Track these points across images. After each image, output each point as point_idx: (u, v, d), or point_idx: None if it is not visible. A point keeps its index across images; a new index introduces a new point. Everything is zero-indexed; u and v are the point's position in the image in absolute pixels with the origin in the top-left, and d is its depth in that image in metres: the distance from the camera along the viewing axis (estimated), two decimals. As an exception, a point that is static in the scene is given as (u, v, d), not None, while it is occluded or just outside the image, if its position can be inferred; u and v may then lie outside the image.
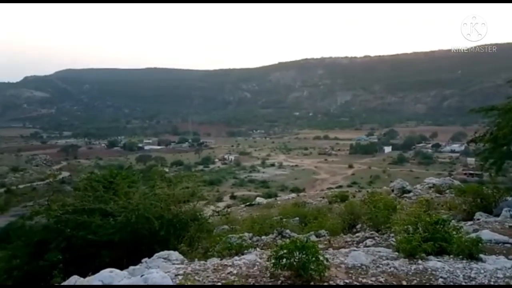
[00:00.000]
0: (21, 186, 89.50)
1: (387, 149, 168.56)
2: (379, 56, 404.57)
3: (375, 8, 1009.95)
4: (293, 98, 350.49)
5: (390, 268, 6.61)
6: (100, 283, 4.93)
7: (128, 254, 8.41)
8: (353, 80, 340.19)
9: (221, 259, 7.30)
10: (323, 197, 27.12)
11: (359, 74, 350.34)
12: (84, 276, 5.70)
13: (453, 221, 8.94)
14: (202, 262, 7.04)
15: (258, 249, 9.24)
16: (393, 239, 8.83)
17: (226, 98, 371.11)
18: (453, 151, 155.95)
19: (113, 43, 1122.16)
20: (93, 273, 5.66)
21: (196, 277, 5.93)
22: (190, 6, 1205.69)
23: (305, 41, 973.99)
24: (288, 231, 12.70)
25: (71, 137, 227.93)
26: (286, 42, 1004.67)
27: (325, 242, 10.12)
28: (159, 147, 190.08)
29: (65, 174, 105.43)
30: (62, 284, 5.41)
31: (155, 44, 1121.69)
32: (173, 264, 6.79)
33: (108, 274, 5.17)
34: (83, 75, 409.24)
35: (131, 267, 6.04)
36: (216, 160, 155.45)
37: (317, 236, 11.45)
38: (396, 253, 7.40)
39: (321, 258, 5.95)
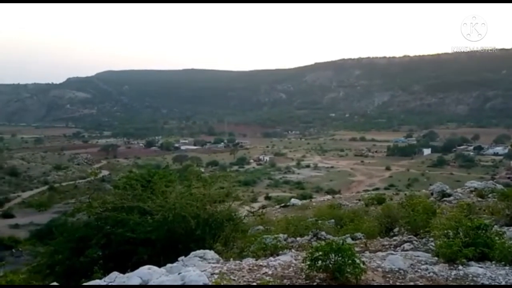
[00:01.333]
0: (63, 184, 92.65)
1: (427, 151, 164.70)
2: (419, 55, 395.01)
3: (414, 7, 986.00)
4: (329, 99, 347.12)
5: (429, 273, 6.45)
6: (139, 280, 5.05)
7: (165, 252, 8.56)
8: (392, 80, 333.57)
9: (256, 260, 7.32)
10: (359, 199, 26.76)
11: (397, 74, 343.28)
12: (123, 272, 5.85)
13: (495, 226, 8.64)
14: (237, 261, 7.08)
15: (293, 250, 9.19)
16: (432, 243, 8.61)
17: (261, 99, 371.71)
18: (496, 154, 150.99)
19: (152, 45, 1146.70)
20: (132, 270, 5.79)
21: (232, 277, 5.97)
22: (226, 7, 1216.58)
23: (342, 41, 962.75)
24: (323, 233, 12.56)
25: (111, 136, 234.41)
26: (323, 42, 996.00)
27: (362, 245, 9.97)
28: (195, 147, 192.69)
29: (105, 172, 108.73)
30: (103, 279, 5.56)
31: (192, 46, 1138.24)
32: (209, 263, 6.86)
33: (147, 271, 5.29)
34: (123, 77, 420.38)
35: (169, 265, 6.14)
36: (251, 160, 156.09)
37: (353, 239, 11.29)
38: (436, 258, 7.21)
39: (357, 261, 5.88)
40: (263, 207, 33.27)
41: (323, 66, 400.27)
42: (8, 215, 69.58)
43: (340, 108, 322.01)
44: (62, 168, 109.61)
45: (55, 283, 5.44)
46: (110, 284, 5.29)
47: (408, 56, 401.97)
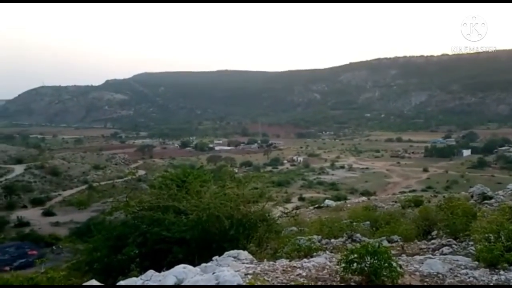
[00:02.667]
0: (102, 183, 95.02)
1: (466, 152, 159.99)
2: (458, 54, 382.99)
3: (452, 5, 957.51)
4: (364, 99, 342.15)
5: (469, 278, 6.24)
6: (174, 278, 5.11)
7: (199, 251, 8.64)
8: (429, 79, 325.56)
9: (290, 261, 7.28)
10: (396, 201, 26.34)
11: (435, 74, 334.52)
12: (158, 271, 5.94)
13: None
14: (271, 262, 7.06)
15: (327, 252, 9.10)
16: (473, 247, 8.35)
17: (295, 99, 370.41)
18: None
19: (187, 47, 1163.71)
20: (167, 268, 5.87)
21: (265, 277, 5.95)
22: (260, 7, 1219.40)
23: (377, 41, 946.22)
24: (358, 235, 12.39)
25: (147, 137, 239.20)
26: (358, 42, 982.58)
27: (398, 248, 9.77)
28: (228, 148, 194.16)
29: (141, 172, 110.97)
30: (140, 277, 5.66)
31: (226, 47, 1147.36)
32: (243, 263, 6.86)
33: (182, 270, 5.35)
34: (158, 78, 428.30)
35: (203, 264, 6.19)
36: (285, 161, 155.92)
37: (389, 242, 11.07)
38: (476, 262, 6.97)
39: (394, 264, 5.75)
40: (297, 208, 33.16)
41: (358, 66, 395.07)
42: (49, 213, 72.17)
43: (376, 108, 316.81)
44: (100, 168, 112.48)
45: (93, 280, 5.58)
46: (145, 283, 5.38)
47: (447, 54, 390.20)
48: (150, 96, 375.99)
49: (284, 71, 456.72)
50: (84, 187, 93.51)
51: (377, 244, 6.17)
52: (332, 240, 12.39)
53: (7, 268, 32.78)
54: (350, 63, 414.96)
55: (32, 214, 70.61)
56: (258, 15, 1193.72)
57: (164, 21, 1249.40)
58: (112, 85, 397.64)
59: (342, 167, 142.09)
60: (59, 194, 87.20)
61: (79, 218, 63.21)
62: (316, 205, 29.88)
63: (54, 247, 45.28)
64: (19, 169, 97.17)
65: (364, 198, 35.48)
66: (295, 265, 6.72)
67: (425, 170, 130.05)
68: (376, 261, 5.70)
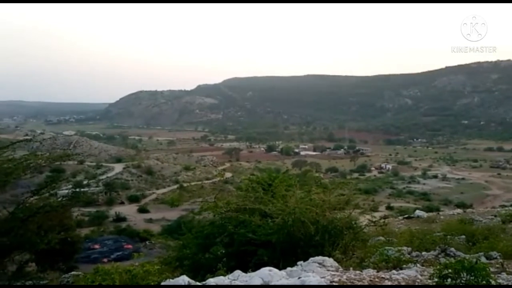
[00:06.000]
0: (192, 184, 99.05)
1: None
2: None
3: None
4: (461, 105, 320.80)
5: None
6: (260, 280, 5.18)
7: (284, 255, 8.66)
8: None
9: (377, 271, 7.03)
10: (495, 215, 24.33)
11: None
12: (244, 271, 6.05)
13: None
14: (357, 271, 6.87)
15: (418, 265, 8.66)
16: None
17: (385, 104, 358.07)
18: None
19: (274, 52, 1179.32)
20: (253, 270, 5.97)
21: (352, 287, 5.81)
22: (350, 9, 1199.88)
23: (477, 43, 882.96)
24: (452, 249, 11.64)
25: (234, 140, 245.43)
26: (455, 45, 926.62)
27: (497, 266, 9.01)
28: (314, 153, 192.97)
29: (228, 174, 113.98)
30: (227, 276, 5.81)
31: (314, 51, 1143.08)
32: (328, 270, 6.75)
33: (268, 273, 5.41)
34: (247, 83, 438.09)
35: (288, 268, 6.19)
36: (372, 168, 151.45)
37: (487, 258, 10.26)
38: None
39: (492, 282, 5.32)
40: (385, 217, 31.96)
41: (455, 70, 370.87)
42: (144, 210, 76.66)
43: (474, 115, 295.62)
44: (190, 169, 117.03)
45: (184, 276, 5.83)
46: (233, 282, 5.50)
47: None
48: (238, 100, 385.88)
49: (374, 75, 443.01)
50: (175, 186, 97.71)
51: (474, 259, 5.75)
52: (423, 253, 11.76)
53: (105, 259, 35.23)
54: (446, 67, 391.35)
55: (128, 210, 75.30)
56: (348, 18, 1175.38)
57: (253, 27, 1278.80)
58: (203, 90, 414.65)
59: (435, 176, 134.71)
60: (153, 193, 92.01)
61: (170, 216, 66.29)
62: (406, 215, 28.58)
63: (147, 242, 47.74)
64: (118, 167, 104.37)
65: (459, 210, 33.29)
66: (383, 276, 6.48)
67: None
68: (473, 277, 5.32)
